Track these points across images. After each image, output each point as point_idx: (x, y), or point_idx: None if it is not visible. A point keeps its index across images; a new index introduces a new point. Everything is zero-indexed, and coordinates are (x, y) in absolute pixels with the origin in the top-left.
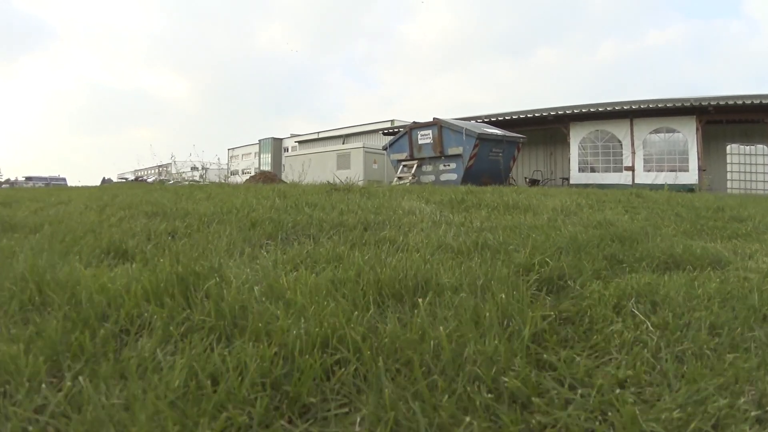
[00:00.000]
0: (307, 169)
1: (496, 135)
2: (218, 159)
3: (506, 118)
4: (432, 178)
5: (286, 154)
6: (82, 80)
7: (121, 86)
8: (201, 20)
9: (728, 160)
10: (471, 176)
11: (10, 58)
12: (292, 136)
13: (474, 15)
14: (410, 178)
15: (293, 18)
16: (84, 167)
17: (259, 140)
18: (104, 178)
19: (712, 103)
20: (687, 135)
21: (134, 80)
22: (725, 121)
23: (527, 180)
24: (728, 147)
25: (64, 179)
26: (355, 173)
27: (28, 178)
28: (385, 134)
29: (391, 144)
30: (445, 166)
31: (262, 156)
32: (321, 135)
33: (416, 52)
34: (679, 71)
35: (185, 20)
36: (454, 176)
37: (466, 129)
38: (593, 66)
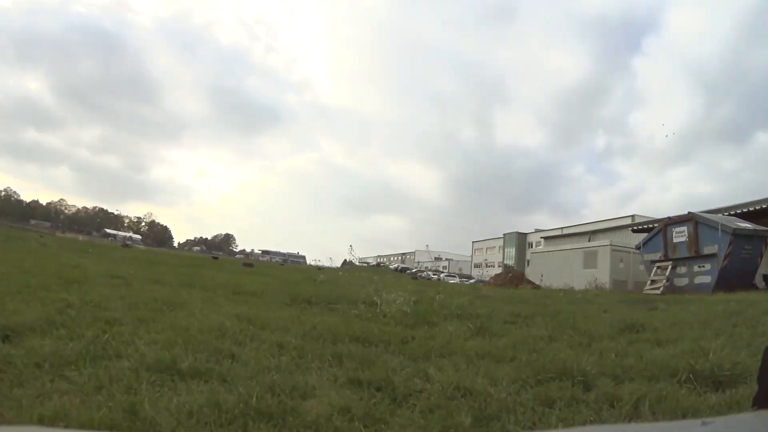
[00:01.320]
0: (551, 269)
1: (748, 230)
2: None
3: (750, 209)
4: (686, 281)
5: (530, 250)
6: (324, 163)
7: (365, 172)
8: (440, 110)
9: None
10: (724, 278)
11: (247, 138)
12: (537, 231)
13: (694, 104)
14: (664, 281)
15: (533, 110)
16: (326, 248)
17: (503, 234)
18: (345, 260)
19: None
20: None
21: (378, 168)
22: None
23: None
24: None
25: (303, 257)
26: (601, 272)
27: (265, 252)
28: (634, 231)
29: (645, 242)
30: (699, 267)
31: (506, 250)
32: (565, 231)
33: (650, 142)
34: None
35: (427, 109)
36: (707, 279)
37: (721, 224)
38: None
